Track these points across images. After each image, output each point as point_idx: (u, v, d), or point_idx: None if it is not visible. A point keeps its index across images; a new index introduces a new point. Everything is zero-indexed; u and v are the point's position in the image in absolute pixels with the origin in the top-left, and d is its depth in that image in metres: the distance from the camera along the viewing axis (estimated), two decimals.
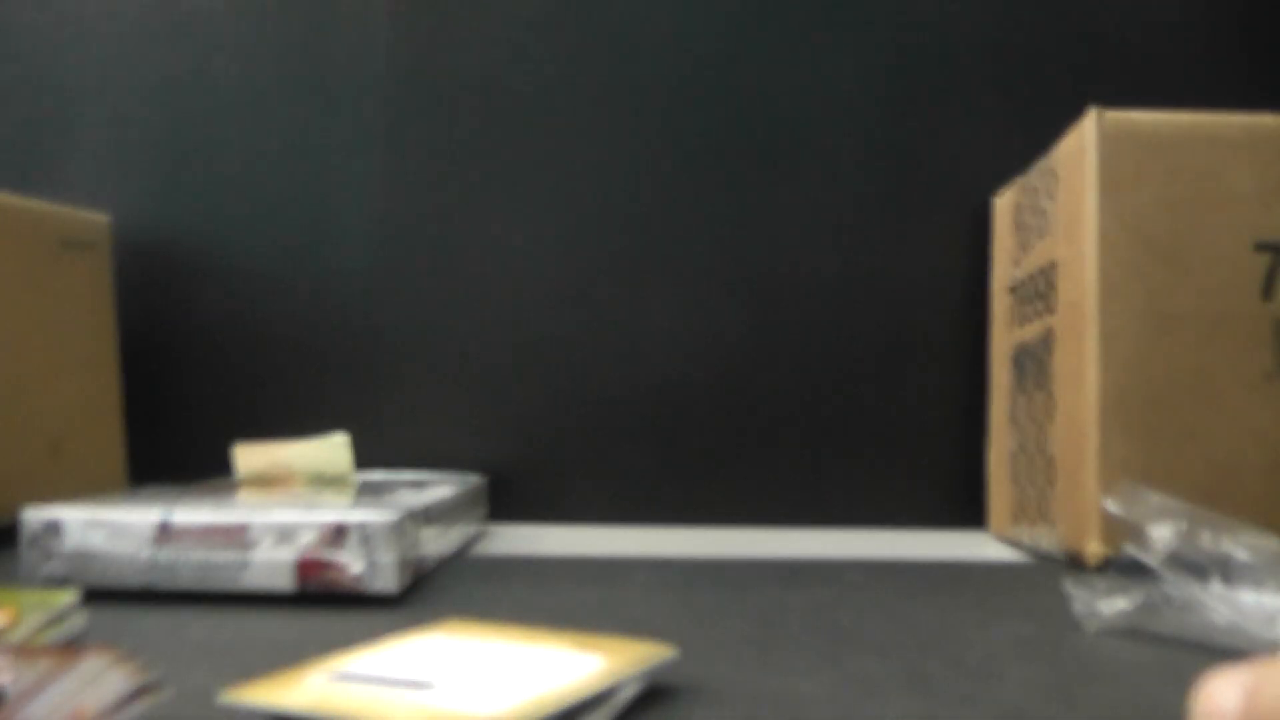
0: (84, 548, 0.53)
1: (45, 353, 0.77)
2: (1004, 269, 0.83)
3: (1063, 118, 0.87)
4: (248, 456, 0.75)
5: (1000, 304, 0.84)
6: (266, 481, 0.73)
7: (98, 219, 0.84)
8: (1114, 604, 0.48)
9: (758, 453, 0.88)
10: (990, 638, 0.46)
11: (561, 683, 0.32)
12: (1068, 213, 0.68)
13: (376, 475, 0.82)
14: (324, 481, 0.73)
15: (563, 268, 0.89)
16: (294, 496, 0.61)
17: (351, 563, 0.52)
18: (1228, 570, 0.43)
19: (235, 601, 0.52)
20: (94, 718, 0.28)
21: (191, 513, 0.53)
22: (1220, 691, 0.22)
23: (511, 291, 0.89)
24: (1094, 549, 0.63)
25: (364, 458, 0.88)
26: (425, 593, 0.56)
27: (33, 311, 0.76)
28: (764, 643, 0.45)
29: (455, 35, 0.89)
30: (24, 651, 0.29)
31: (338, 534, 0.52)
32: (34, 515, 0.53)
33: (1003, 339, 0.83)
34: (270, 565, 0.52)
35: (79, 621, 0.40)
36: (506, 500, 0.88)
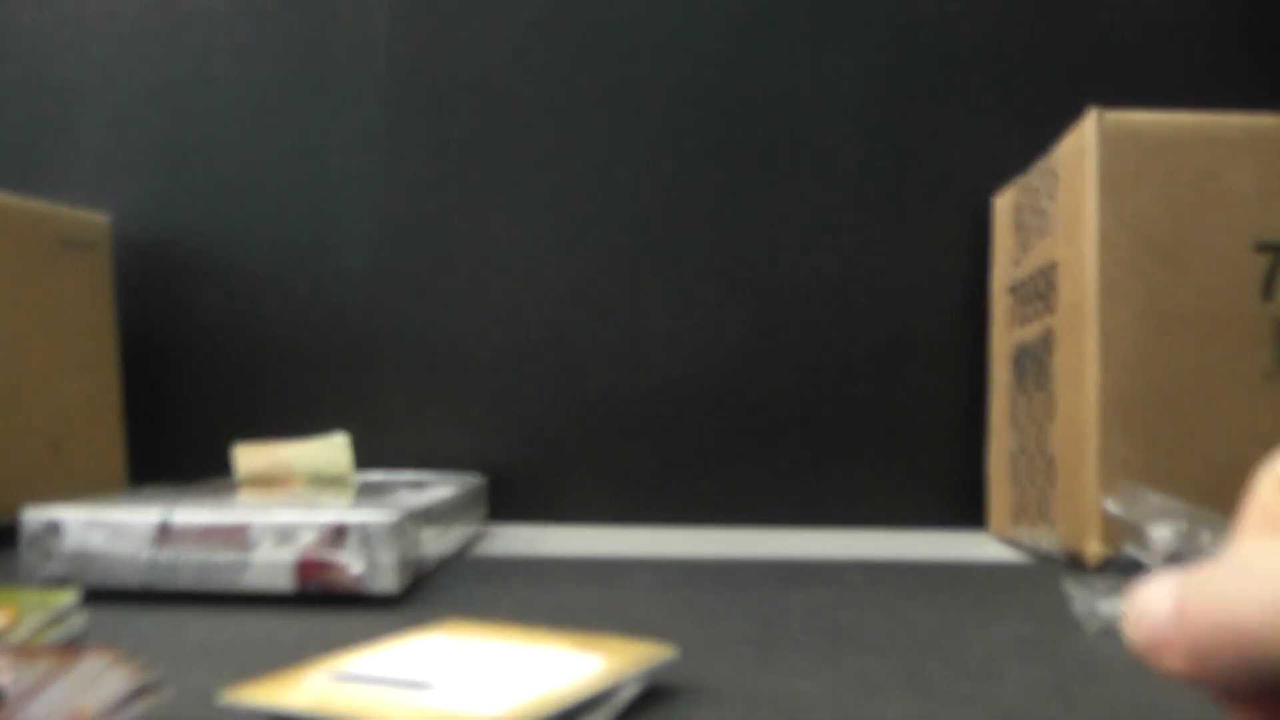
0: (84, 548, 0.53)
1: (45, 353, 0.77)
2: (1004, 269, 0.83)
3: (1063, 118, 0.87)
4: (248, 456, 0.75)
5: (1000, 304, 0.84)
6: (266, 481, 0.73)
7: (98, 219, 0.84)
8: (1114, 604, 0.48)
9: (758, 453, 0.88)
10: (990, 638, 0.46)
11: (561, 683, 0.32)
12: (1068, 213, 0.68)
13: (376, 475, 0.82)
14: (324, 482, 0.73)
15: (563, 268, 0.89)
16: (294, 497, 0.61)
17: (351, 563, 0.52)
18: None
19: (235, 602, 0.52)
20: (94, 718, 0.28)
21: (191, 513, 0.53)
22: (1152, 596, 0.21)
23: (511, 291, 0.89)
24: (1094, 549, 0.63)
25: (364, 458, 0.88)
26: (425, 593, 0.56)
27: (33, 311, 0.76)
28: (764, 643, 0.45)
29: (455, 35, 0.89)
30: (24, 651, 0.29)
31: (338, 534, 0.52)
32: (34, 515, 0.53)
33: (1003, 339, 0.83)
34: (270, 565, 0.52)
35: (79, 621, 0.40)
36: (506, 500, 0.88)
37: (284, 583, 0.52)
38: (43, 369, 0.77)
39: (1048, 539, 0.71)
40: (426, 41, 0.89)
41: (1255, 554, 0.20)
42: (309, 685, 0.32)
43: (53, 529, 0.53)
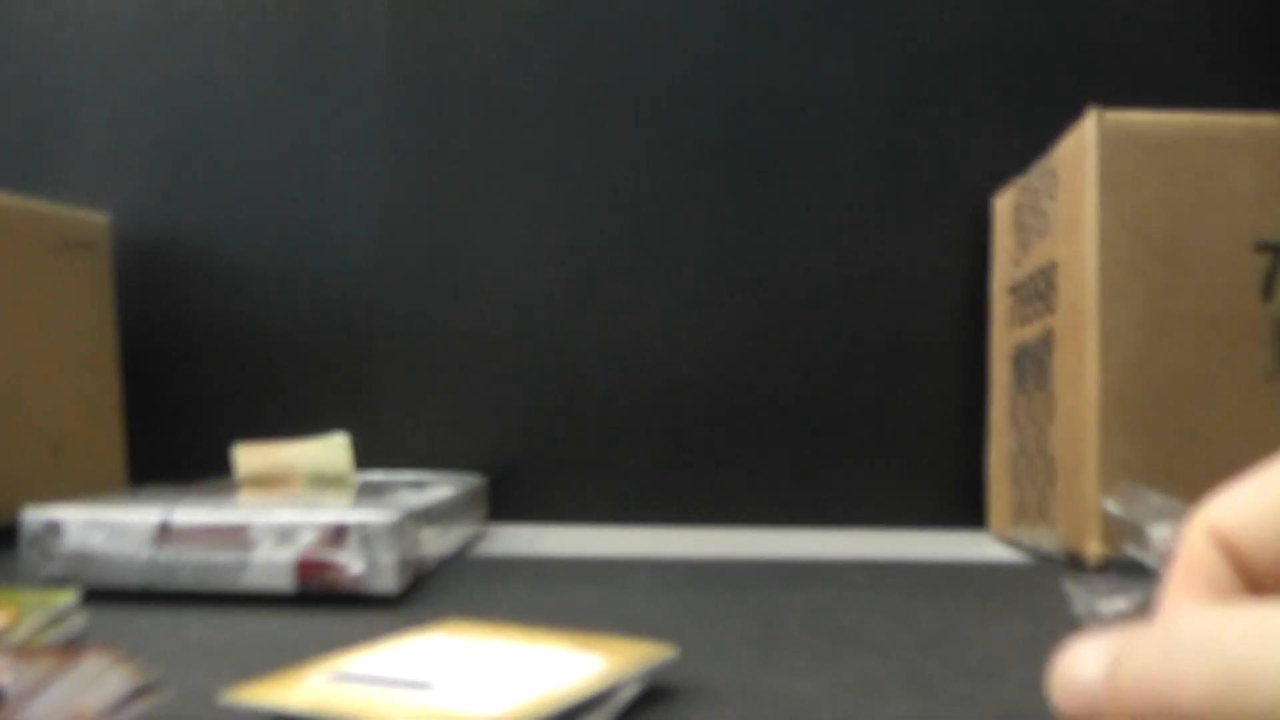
0: (84, 548, 0.53)
1: (45, 353, 0.77)
2: (1004, 269, 0.83)
3: (1063, 118, 0.87)
4: (248, 456, 0.75)
5: (1000, 304, 0.84)
6: (266, 481, 0.73)
7: (98, 219, 0.84)
8: (1114, 604, 0.48)
9: (758, 453, 0.88)
10: (990, 638, 0.46)
11: (561, 683, 0.32)
12: (1068, 213, 0.68)
13: (376, 475, 0.82)
14: (324, 481, 0.73)
15: (563, 268, 0.89)
16: (294, 497, 0.61)
17: (351, 563, 0.52)
18: None
19: (235, 601, 0.52)
20: (94, 718, 0.28)
21: (191, 513, 0.53)
22: (1082, 657, 0.20)
23: (511, 291, 0.89)
24: (1094, 549, 0.63)
25: (364, 458, 0.88)
26: (425, 593, 0.56)
27: (33, 311, 0.76)
28: (764, 643, 0.45)
29: (455, 35, 0.89)
30: (24, 651, 0.29)
31: (338, 534, 0.52)
32: (34, 515, 0.53)
33: (1003, 339, 0.83)
34: (270, 565, 0.52)
35: (79, 621, 0.40)
36: (506, 500, 0.88)
37: (284, 583, 0.52)
38: (43, 369, 0.77)
39: (1048, 539, 0.71)
40: (426, 41, 0.89)
41: (1194, 623, 0.19)
42: (309, 685, 0.32)
43: (53, 529, 0.53)
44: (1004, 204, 0.83)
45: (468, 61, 0.89)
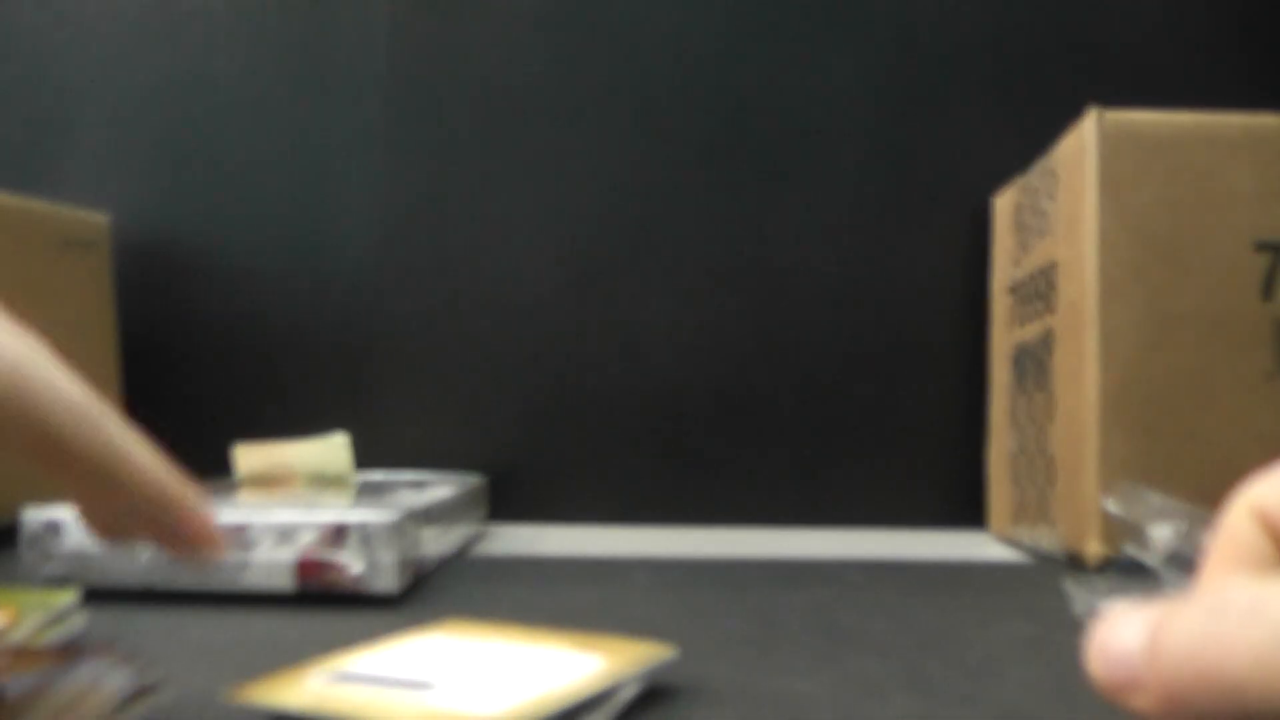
0: (84, 548, 0.53)
1: None
2: (1004, 269, 0.83)
3: (1063, 118, 0.87)
4: (248, 456, 0.75)
5: (1000, 304, 0.84)
6: (266, 481, 0.73)
7: (98, 219, 0.84)
8: (1114, 604, 0.47)
9: (758, 453, 0.88)
10: (990, 638, 0.46)
11: (561, 683, 0.32)
12: (1068, 213, 0.68)
13: (376, 475, 0.82)
14: (324, 481, 0.73)
15: (562, 267, 0.89)
16: (294, 496, 0.61)
17: (351, 563, 0.52)
18: None
19: (235, 601, 0.52)
20: (94, 718, 0.28)
21: None
22: (1120, 628, 0.20)
23: (511, 291, 0.89)
24: (1094, 549, 0.63)
25: (364, 458, 0.88)
26: (425, 593, 0.56)
27: (33, 311, 0.76)
28: (764, 643, 0.45)
29: (455, 35, 0.89)
30: (24, 651, 0.29)
31: (338, 534, 0.52)
32: (34, 515, 0.53)
33: (1003, 339, 0.83)
34: (270, 565, 0.52)
35: (79, 621, 0.40)
36: (506, 500, 0.88)
37: (284, 583, 0.52)
38: None
39: (1048, 539, 0.71)
40: (426, 41, 0.89)
41: (1242, 593, 0.19)
42: (309, 685, 0.32)
43: (53, 529, 0.53)
44: (1004, 204, 0.83)
45: (468, 61, 0.89)
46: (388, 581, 0.52)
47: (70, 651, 0.29)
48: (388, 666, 0.34)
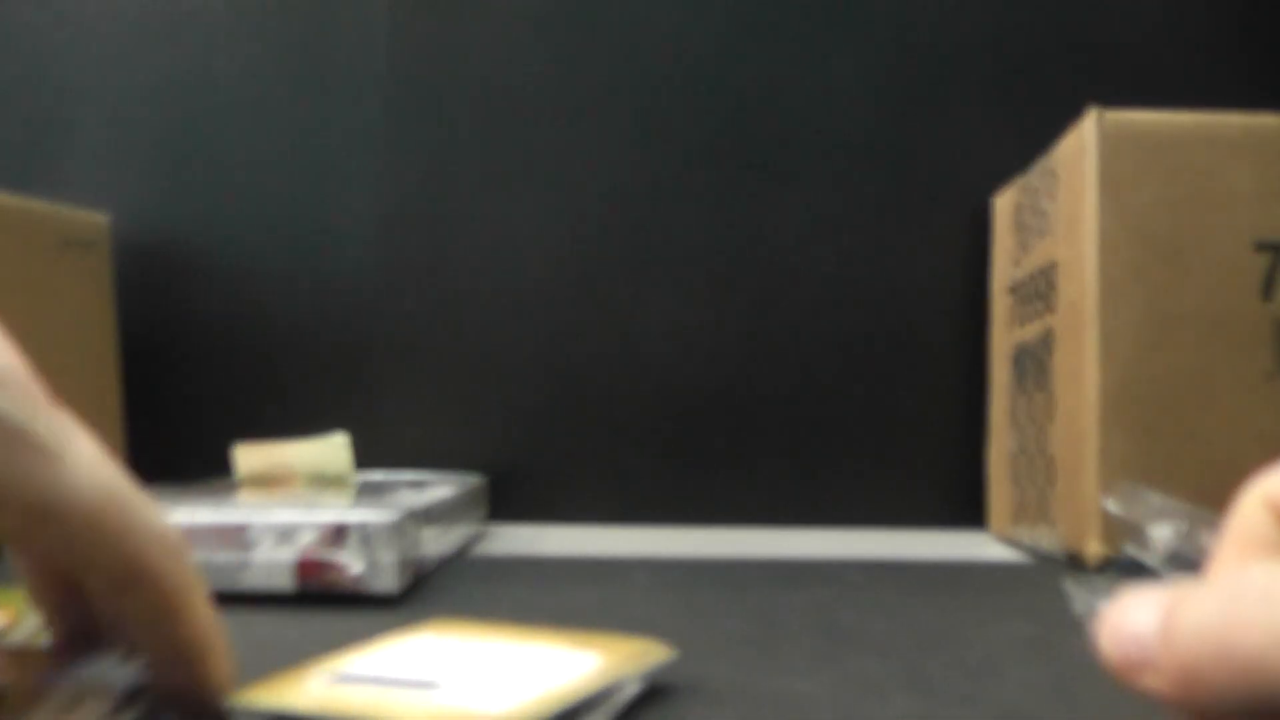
0: None
1: (45, 353, 0.77)
2: (1004, 269, 0.83)
3: (1063, 118, 0.87)
4: (248, 456, 0.75)
5: (1000, 304, 0.84)
6: (266, 481, 0.73)
7: (98, 219, 0.84)
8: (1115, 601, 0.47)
9: (757, 453, 0.88)
10: (990, 638, 0.46)
11: (561, 682, 0.32)
12: (1068, 213, 0.68)
13: (376, 475, 0.82)
14: (324, 481, 0.73)
15: (562, 267, 0.89)
16: (294, 496, 0.61)
17: (351, 563, 0.52)
18: None
19: (235, 601, 0.52)
20: (94, 718, 0.28)
21: (191, 513, 0.53)
22: (1133, 609, 0.20)
23: (511, 291, 0.89)
24: (1094, 549, 0.63)
25: (364, 458, 0.88)
26: (425, 593, 0.56)
27: (33, 311, 0.76)
28: (764, 642, 0.45)
29: (455, 35, 0.89)
30: (24, 652, 0.29)
31: (338, 534, 0.52)
32: None
33: (1003, 339, 0.83)
34: (270, 565, 0.52)
35: None
36: (506, 500, 0.88)
37: (284, 583, 0.52)
38: (42, 369, 0.76)
39: (1048, 539, 0.71)
40: (426, 41, 0.89)
41: (1257, 575, 0.19)
42: (311, 685, 0.32)
43: None
44: (1004, 204, 0.83)
45: (468, 61, 0.89)
46: (388, 581, 0.52)
47: (70, 651, 0.29)
48: (389, 666, 0.34)
